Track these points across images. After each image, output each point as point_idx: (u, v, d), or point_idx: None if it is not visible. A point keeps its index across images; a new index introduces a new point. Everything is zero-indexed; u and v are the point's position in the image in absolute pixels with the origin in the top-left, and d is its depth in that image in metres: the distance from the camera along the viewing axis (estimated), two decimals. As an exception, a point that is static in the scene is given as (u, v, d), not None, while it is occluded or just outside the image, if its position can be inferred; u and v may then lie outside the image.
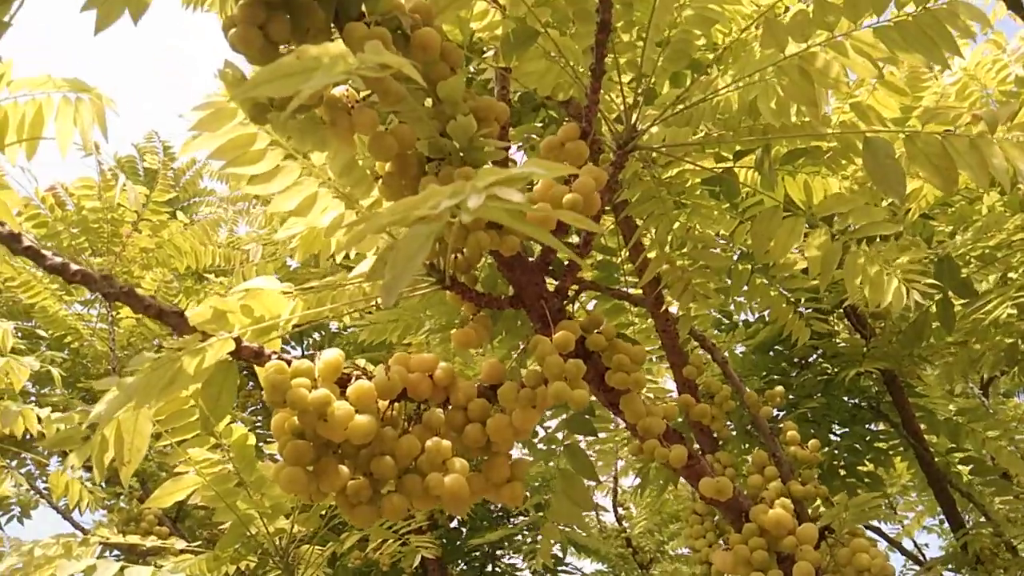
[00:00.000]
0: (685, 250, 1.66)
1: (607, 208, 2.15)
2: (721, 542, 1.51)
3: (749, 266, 2.34)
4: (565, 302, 1.29)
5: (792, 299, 2.37)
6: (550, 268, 1.27)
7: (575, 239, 1.47)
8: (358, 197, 1.11)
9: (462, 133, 1.04)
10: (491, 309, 1.25)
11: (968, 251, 2.33)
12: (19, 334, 3.75)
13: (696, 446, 1.96)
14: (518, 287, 1.24)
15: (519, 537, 4.26)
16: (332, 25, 1.02)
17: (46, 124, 1.26)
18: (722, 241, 2.34)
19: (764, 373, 3.10)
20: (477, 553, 4.50)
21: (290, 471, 0.99)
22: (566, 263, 1.33)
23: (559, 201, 1.10)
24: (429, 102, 1.08)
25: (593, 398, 1.51)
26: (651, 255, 1.63)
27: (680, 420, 2.24)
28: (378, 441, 1.06)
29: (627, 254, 2.14)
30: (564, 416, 2.05)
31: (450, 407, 1.16)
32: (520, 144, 1.84)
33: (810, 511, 1.75)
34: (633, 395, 1.23)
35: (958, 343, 2.49)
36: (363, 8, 1.03)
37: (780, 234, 1.43)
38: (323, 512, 2.12)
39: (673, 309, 2.01)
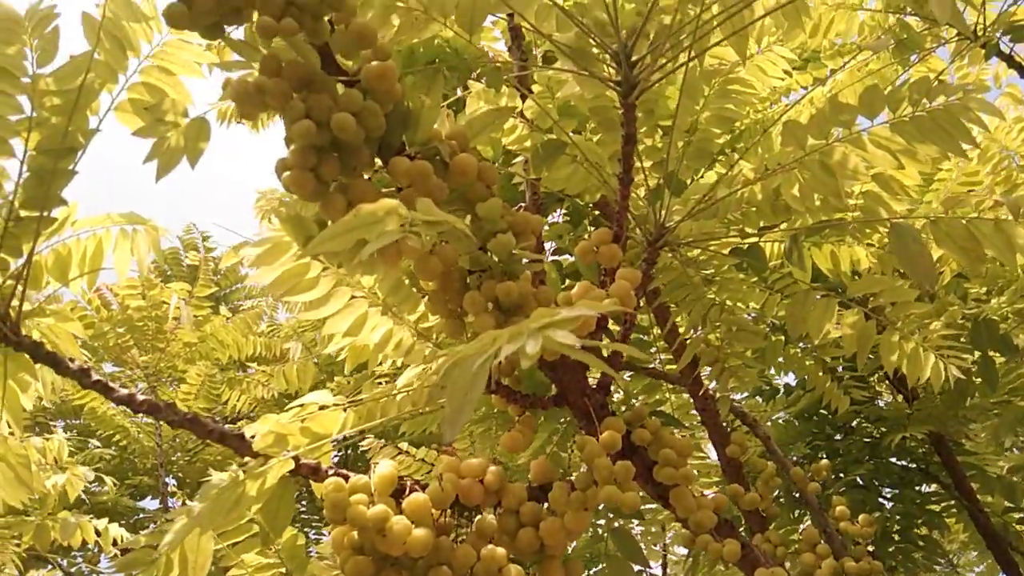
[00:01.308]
0: (718, 327, 1.69)
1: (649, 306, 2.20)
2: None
3: (782, 337, 2.36)
4: (608, 395, 1.32)
5: (829, 366, 2.37)
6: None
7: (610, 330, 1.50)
8: (405, 312, 1.16)
9: (502, 249, 1.09)
10: (535, 409, 1.29)
11: (1005, 310, 2.33)
12: (68, 435, 3.83)
13: (744, 526, 1.95)
14: (561, 386, 1.28)
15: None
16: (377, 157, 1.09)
17: (105, 256, 1.34)
18: (752, 316, 2.37)
19: (808, 439, 3.07)
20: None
21: (353, 588, 1.02)
22: (605, 361, 1.37)
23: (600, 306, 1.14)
24: (468, 218, 1.14)
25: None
26: (687, 338, 1.66)
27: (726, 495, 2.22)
28: (435, 552, 1.08)
29: (659, 331, 2.17)
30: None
31: (501, 511, 1.18)
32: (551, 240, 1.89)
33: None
34: (682, 489, 1.25)
35: (1003, 402, 2.46)
36: (404, 138, 1.10)
37: (814, 315, 1.46)
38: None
39: (712, 386, 2.02)
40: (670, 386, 2.48)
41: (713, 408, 2.04)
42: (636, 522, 2.63)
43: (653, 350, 2.46)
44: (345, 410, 1.25)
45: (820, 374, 2.36)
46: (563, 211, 2.33)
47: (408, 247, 1.02)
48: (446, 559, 1.09)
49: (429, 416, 2.42)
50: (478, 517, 1.16)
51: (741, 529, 1.49)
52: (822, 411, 2.94)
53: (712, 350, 1.77)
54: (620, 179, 1.18)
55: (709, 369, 1.78)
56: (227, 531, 1.43)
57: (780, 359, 2.34)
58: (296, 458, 1.10)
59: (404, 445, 2.69)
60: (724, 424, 2.05)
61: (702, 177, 1.60)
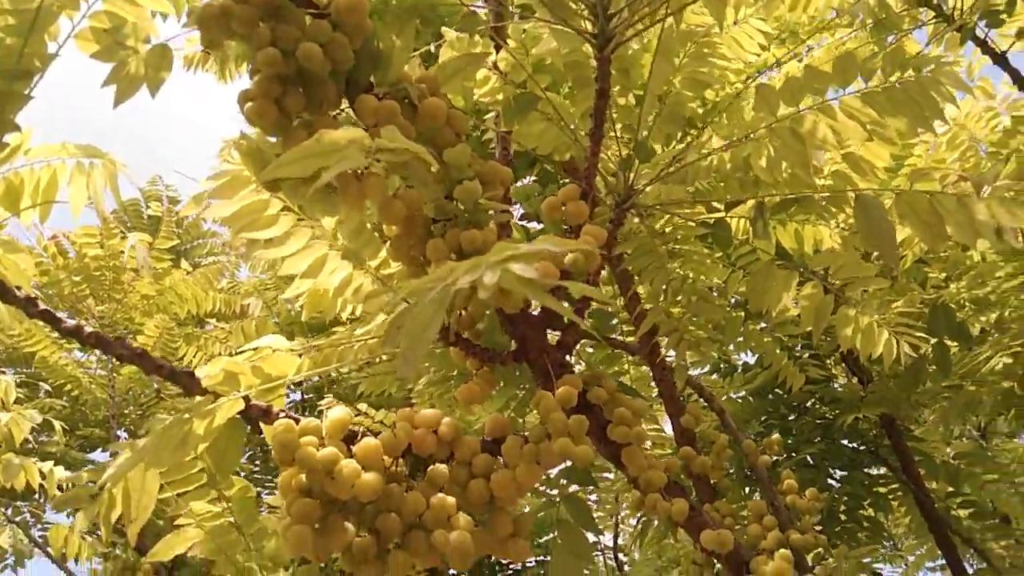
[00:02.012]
0: (680, 299, 1.70)
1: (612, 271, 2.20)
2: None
3: (742, 313, 2.38)
4: (567, 355, 1.32)
5: (787, 344, 2.40)
6: (552, 321, 1.30)
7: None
8: (367, 258, 1.14)
9: (468, 197, 1.07)
10: (494, 363, 1.28)
11: (963, 296, 2.37)
12: (19, 381, 3.75)
13: (695, 496, 1.97)
14: (521, 342, 1.27)
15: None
16: (344, 95, 1.06)
17: (60, 189, 1.30)
18: (715, 291, 2.39)
19: (763, 418, 3.11)
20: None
21: (297, 530, 1.00)
22: (567, 324, 1.36)
23: (561, 261, 1.14)
24: (435, 167, 1.12)
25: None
26: (647, 307, 1.66)
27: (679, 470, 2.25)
28: (384, 498, 1.08)
29: (623, 303, 2.17)
30: (563, 466, 2.07)
31: (454, 462, 1.18)
32: (520, 203, 1.88)
33: (810, 560, 1.76)
34: (635, 448, 1.25)
35: (954, 387, 2.52)
36: (372, 79, 1.07)
37: (774, 286, 1.47)
38: (322, 565, 2.11)
39: (670, 357, 2.03)
40: (631, 358, 2.49)
41: (670, 379, 2.04)
42: (590, 489, 2.65)
43: (615, 322, 2.46)
44: (300, 356, 1.23)
45: (777, 351, 2.39)
46: (534, 177, 2.32)
47: (372, 187, 1.00)
48: (395, 506, 1.08)
49: (388, 377, 2.41)
50: (430, 467, 1.15)
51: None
52: (777, 390, 2.98)
53: (672, 321, 1.78)
54: (591, 135, 1.17)
55: (668, 340, 1.79)
56: (175, 479, 1.41)
57: (739, 336, 2.37)
58: (247, 399, 1.08)
59: (363, 407, 2.67)
60: (680, 396, 2.06)
61: (673, 148, 1.59)
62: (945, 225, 1.25)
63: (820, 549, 1.76)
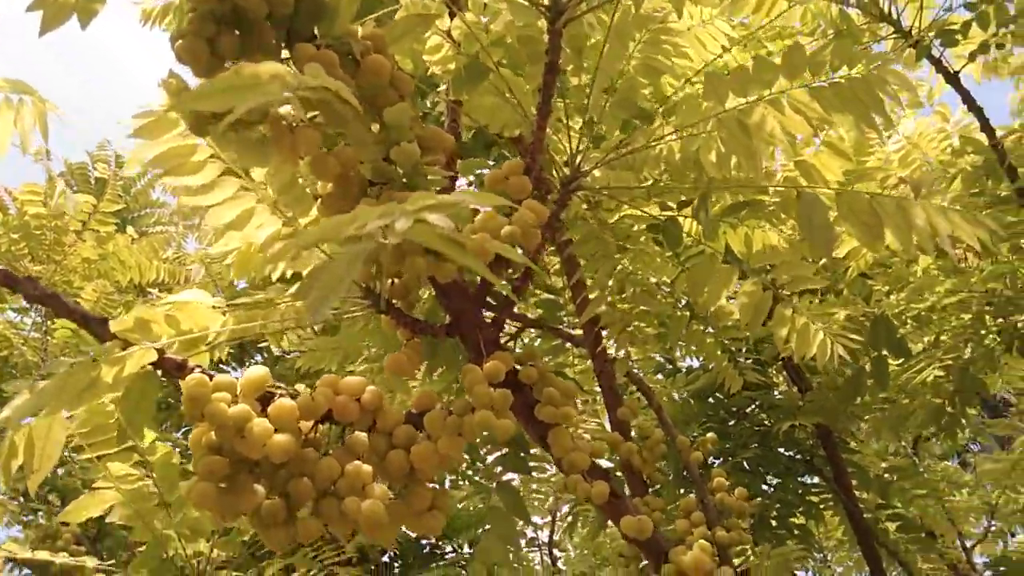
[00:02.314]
0: (625, 295, 1.69)
1: (553, 248, 2.19)
2: (640, 584, 1.51)
3: (688, 313, 2.38)
4: (502, 334, 1.30)
5: (730, 348, 2.41)
6: (489, 300, 1.28)
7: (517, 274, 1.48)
8: (297, 215, 1.11)
9: (405, 159, 1.05)
10: (428, 337, 1.26)
11: (904, 311, 2.40)
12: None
13: (628, 491, 1.96)
14: (454, 316, 1.25)
15: (445, 566, 4.20)
16: (284, 46, 1.03)
17: (-16, 121, 1.24)
18: (665, 289, 2.39)
19: (702, 421, 3.13)
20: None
21: (201, 486, 0.97)
22: (504, 296, 1.34)
23: (498, 233, 1.12)
24: (374, 126, 1.09)
25: (529, 438, 1.52)
26: (591, 295, 1.65)
27: (615, 467, 2.25)
28: (297, 462, 1.05)
29: (571, 296, 2.17)
30: (498, 453, 2.05)
31: (376, 432, 1.15)
32: (471, 181, 1.86)
33: (735, 560, 1.77)
34: (561, 429, 1.24)
35: (890, 401, 2.55)
36: (316, 32, 1.04)
37: (715, 281, 1.47)
38: (245, 538, 2.07)
39: (620, 350, 2.03)
40: (576, 352, 2.49)
41: (610, 371, 2.04)
42: (519, 477, 2.63)
43: (563, 313, 2.46)
44: (224, 313, 1.19)
45: (718, 353, 2.40)
46: (492, 160, 2.29)
47: (305, 140, 0.96)
48: (308, 471, 1.05)
49: (328, 353, 2.37)
50: (350, 435, 1.13)
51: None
52: (718, 394, 3.00)
53: (615, 313, 1.77)
54: (538, 109, 1.15)
55: (610, 330, 1.79)
56: (90, 430, 1.36)
57: (683, 335, 2.37)
58: (161, 351, 1.04)
59: (300, 387, 2.63)
60: (619, 389, 2.06)
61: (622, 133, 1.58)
62: (883, 227, 1.26)
63: (745, 547, 1.77)
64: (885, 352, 2.61)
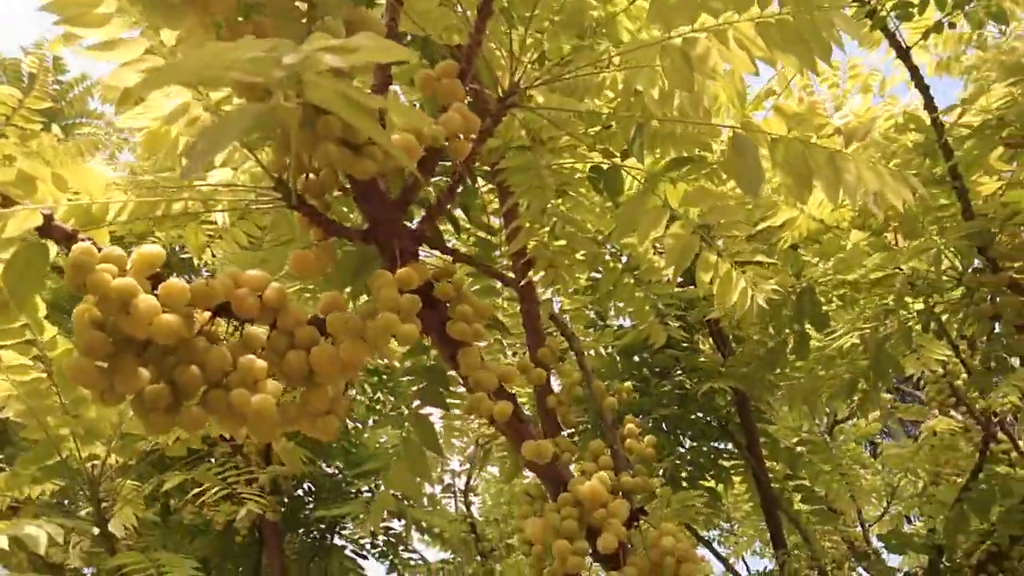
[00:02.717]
0: (556, 227, 1.66)
1: (491, 187, 2.14)
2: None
3: (620, 265, 2.38)
4: (419, 247, 1.26)
5: (658, 306, 2.41)
6: (407, 202, 1.23)
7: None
8: (210, 90, 1.04)
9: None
10: (342, 240, 1.21)
11: (830, 285, 2.43)
12: None
13: (541, 430, 1.96)
14: (372, 221, 1.20)
15: (363, 515, 4.19)
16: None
17: None
18: (600, 239, 2.38)
19: (626, 377, 3.16)
20: (320, 526, 4.41)
21: (80, 362, 0.91)
22: (425, 213, 1.30)
23: (422, 134, 1.07)
24: (304, 7, 1.03)
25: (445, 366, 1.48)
26: (523, 225, 1.61)
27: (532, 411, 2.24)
28: (186, 349, 0.99)
29: (503, 222, 2.13)
30: (416, 387, 2.02)
31: (276, 331, 1.10)
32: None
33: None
34: (471, 348, 1.21)
35: (806, 372, 2.60)
36: None
37: (644, 220, 1.45)
38: (146, 448, 2.00)
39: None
40: (507, 294, 2.47)
41: (535, 311, 2.02)
42: (440, 413, 2.62)
43: (497, 254, 2.42)
44: (127, 192, 1.12)
45: (647, 308, 2.40)
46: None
47: (220, 1, 0.90)
48: (198, 359, 1.00)
49: (253, 267, 2.29)
50: (247, 329, 1.08)
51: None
52: (644, 354, 3.03)
53: (546, 251, 1.75)
54: (479, 9, 1.10)
55: (537, 264, 1.76)
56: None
57: (612, 286, 2.36)
58: (49, 217, 0.97)
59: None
60: (543, 330, 2.04)
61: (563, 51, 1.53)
62: (813, 179, 1.25)
63: (649, 493, 1.78)
64: (808, 326, 2.67)
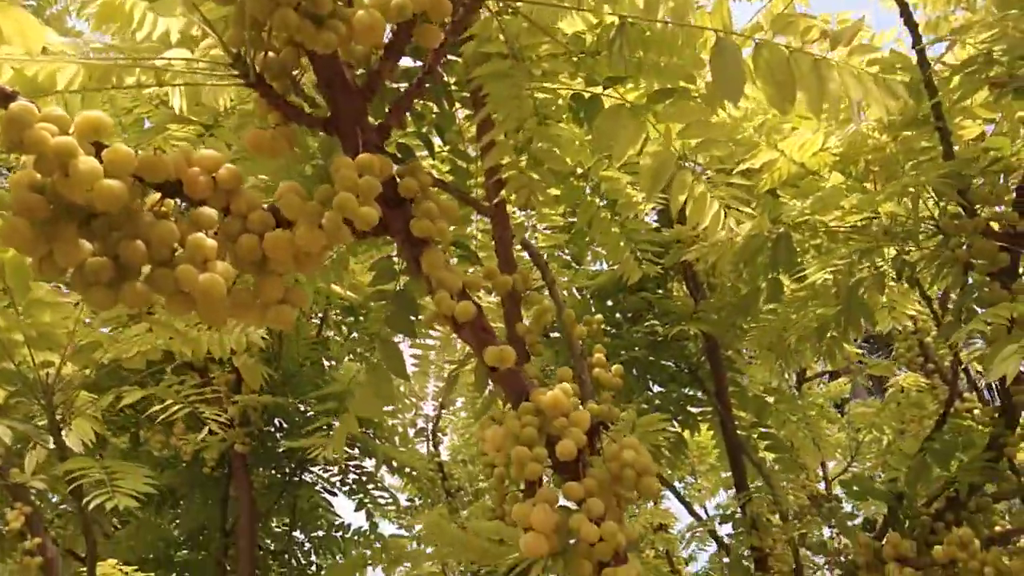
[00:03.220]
0: (530, 141, 1.61)
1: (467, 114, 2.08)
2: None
3: (597, 200, 2.34)
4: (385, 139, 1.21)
5: (634, 244, 2.39)
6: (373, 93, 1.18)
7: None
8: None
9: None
10: (301, 126, 1.16)
11: (808, 239, 2.41)
12: None
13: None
14: (335, 109, 1.15)
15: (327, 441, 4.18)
16: None
17: None
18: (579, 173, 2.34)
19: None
20: (291, 464, 4.41)
21: (12, 221, 0.86)
22: (392, 107, 1.25)
23: (390, 9, 1.02)
24: None
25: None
26: (497, 137, 1.56)
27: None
28: (132, 223, 0.95)
29: (480, 165, 2.08)
30: (386, 314, 1.98)
31: (230, 215, 1.06)
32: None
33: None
34: (434, 248, 1.17)
35: (777, 316, 2.59)
36: None
37: (622, 134, 1.41)
38: (104, 361, 1.96)
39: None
40: (480, 223, 2.42)
41: (508, 238, 1.98)
42: (409, 341, 2.59)
43: (472, 183, 2.38)
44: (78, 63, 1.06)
45: (621, 244, 2.37)
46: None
47: None
48: (144, 234, 0.95)
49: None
50: (198, 208, 1.03)
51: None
52: (619, 295, 3.01)
53: (521, 176, 1.70)
54: None
55: (508, 185, 1.72)
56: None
57: (589, 221, 2.33)
58: (-14, 73, 0.91)
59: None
60: (515, 258, 2.01)
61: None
62: (796, 88, 1.21)
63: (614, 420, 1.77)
64: (782, 275, 2.65)
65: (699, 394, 3.26)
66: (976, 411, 2.87)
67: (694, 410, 3.26)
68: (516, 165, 1.70)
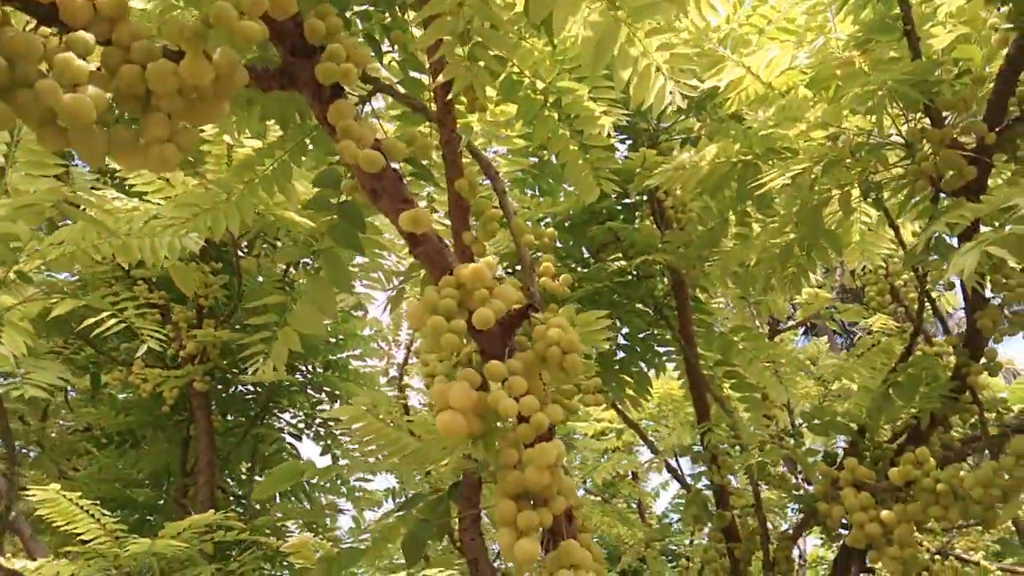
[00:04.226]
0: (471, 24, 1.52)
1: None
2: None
3: (555, 115, 2.25)
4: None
5: (593, 162, 2.30)
6: None
7: None
8: None
9: None
10: None
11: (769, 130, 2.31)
12: None
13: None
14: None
15: (296, 389, 4.12)
16: None
17: None
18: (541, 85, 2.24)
19: (563, 256, 3.07)
20: (254, 403, 4.35)
21: None
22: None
23: None
24: None
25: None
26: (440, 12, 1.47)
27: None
28: (-10, 35, 0.86)
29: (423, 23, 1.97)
30: (330, 226, 1.90)
31: (111, 45, 0.97)
32: None
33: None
34: (343, 100, 1.09)
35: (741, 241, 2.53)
36: None
37: (561, 4, 1.31)
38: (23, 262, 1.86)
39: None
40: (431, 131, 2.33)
41: (455, 141, 1.89)
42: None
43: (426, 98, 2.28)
44: None
45: (580, 162, 2.29)
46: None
47: None
48: (4, 49, 0.86)
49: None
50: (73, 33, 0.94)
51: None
52: (584, 227, 2.93)
53: (459, 61, 1.61)
54: None
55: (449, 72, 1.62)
56: None
57: (537, 120, 2.24)
58: None
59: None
60: (462, 162, 1.92)
61: None
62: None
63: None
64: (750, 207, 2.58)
65: (668, 336, 3.19)
66: (947, 355, 2.82)
67: (659, 349, 3.20)
68: (459, 58, 1.60)
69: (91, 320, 2.20)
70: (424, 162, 2.19)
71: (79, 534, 2.51)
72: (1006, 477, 1.75)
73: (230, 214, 2.02)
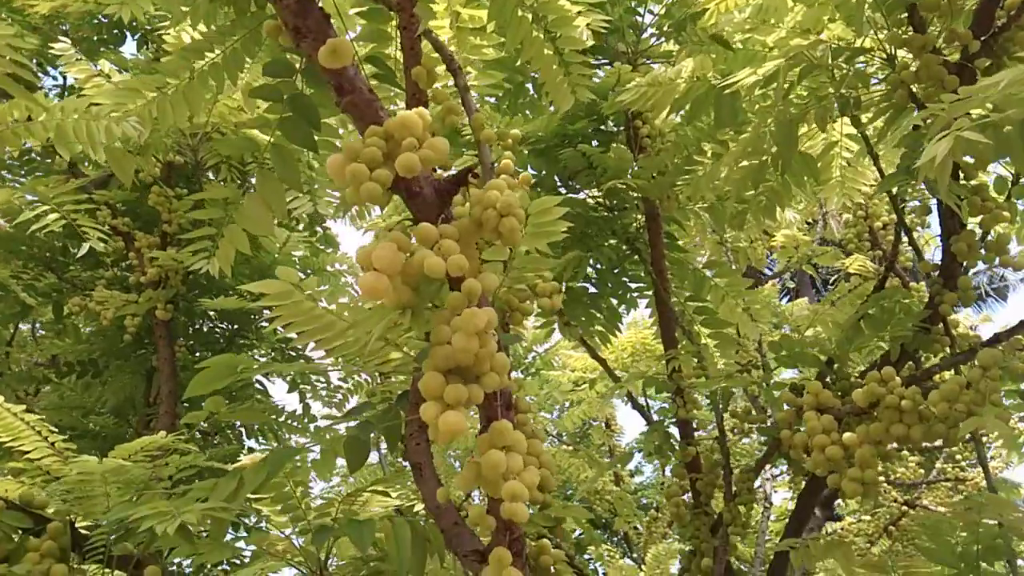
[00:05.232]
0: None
1: None
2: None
3: (528, 16, 2.15)
4: None
5: (568, 68, 2.20)
6: None
7: None
8: None
9: None
10: None
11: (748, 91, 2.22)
12: None
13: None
14: None
15: (264, 324, 4.04)
16: None
17: None
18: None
19: (535, 185, 2.98)
20: (220, 339, 4.27)
21: None
22: None
23: None
24: None
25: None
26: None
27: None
28: None
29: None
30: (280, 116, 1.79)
31: None
32: None
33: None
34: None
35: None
36: None
37: None
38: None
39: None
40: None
41: (414, 26, 1.79)
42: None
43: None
44: None
45: (555, 67, 2.19)
46: None
47: None
48: None
49: None
50: None
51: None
52: (556, 151, 2.83)
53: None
54: None
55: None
56: None
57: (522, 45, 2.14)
58: None
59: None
60: (421, 52, 1.82)
61: None
62: None
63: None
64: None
65: (641, 273, 3.12)
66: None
67: (632, 286, 3.14)
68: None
69: (29, 214, 2.09)
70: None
71: (26, 452, 2.42)
72: (971, 391, 1.69)
73: (177, 104, 1.91)
